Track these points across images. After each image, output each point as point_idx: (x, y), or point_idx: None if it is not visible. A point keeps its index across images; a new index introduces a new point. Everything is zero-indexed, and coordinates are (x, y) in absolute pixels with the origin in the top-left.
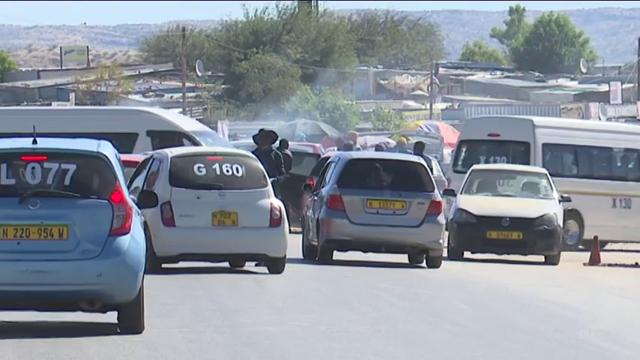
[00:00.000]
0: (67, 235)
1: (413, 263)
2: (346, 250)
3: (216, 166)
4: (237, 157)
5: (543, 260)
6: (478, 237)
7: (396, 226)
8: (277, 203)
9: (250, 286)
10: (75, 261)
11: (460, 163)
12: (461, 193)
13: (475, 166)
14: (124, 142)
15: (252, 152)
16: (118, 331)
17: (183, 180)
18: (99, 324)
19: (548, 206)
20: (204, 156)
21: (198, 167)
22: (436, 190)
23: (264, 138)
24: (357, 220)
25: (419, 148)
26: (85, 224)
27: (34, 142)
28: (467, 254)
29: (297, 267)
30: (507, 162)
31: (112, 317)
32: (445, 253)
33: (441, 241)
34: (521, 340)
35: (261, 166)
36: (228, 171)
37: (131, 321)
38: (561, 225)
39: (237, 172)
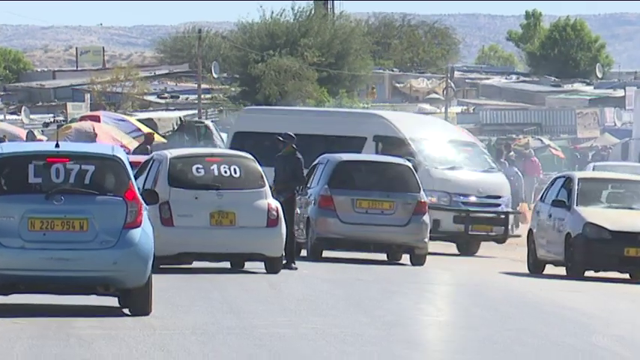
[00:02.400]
0: (86, 228)
1: (391, 260)
2: (335, 249)
3: (215, 166)
4: (235, 158)
5: None
6: (614, 255)
7: (384, 225)
8: (274, 204)
9: (263, 288)
10: (93, 250)
11: None
12: (576, 205)
13: (580, 174)
14: (354, 145)
15: (277, 155)
16: (129, 313)
17: (182, 180)
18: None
19: None
20: (203, 157)
21: (197, 168)
22: (422, 191)
23: (281, 141)
24: (347, 219)
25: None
26: (103, 218)
27: (57, 145)
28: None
29: (306, 268)
30: None
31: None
32: (525, 268)
33: (426, 240)
34: (534, 346)
35: (259, 167)
36: (226, 172)
37: (141, 304)
38: None
39: (235, 172)
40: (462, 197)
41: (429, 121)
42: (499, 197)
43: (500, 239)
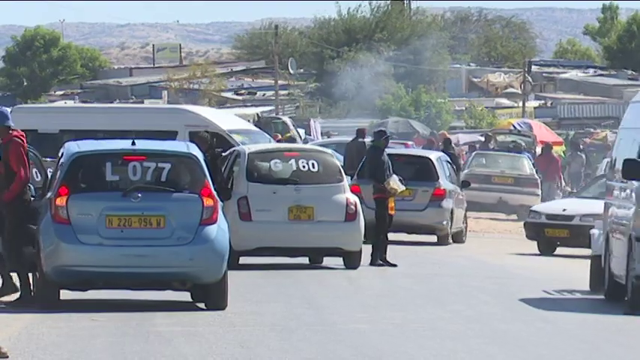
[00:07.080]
0: (163, 224)
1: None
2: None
3: (293, 161)
4: (313, 153)
5: None
6: None
7: (404, 210)
8: (353, 198)
9: (342, 284)
10: (170, 247)
11: None
12: None
13: None
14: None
15: (370, 148)
16: (204, 307)
17: (260, 175)
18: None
19: None
20: (281, 152)
21: (275, 163)
22: (440, 180)
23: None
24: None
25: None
26: (179, 215)
27: (133, 143)
28: None
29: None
30: None
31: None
32: None
33: (445, 222)
34: (620, 342)
35: (337, 162)
36: (304, 166)
37: (217, 299)
38: None
39: (313, 167)
40: None
41: None
42: None
43: None
